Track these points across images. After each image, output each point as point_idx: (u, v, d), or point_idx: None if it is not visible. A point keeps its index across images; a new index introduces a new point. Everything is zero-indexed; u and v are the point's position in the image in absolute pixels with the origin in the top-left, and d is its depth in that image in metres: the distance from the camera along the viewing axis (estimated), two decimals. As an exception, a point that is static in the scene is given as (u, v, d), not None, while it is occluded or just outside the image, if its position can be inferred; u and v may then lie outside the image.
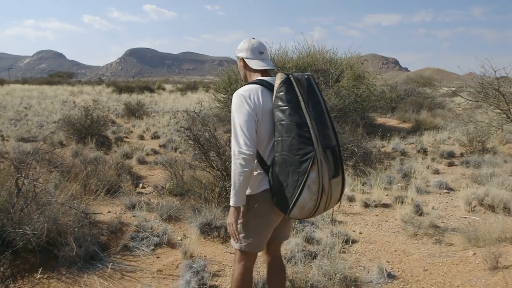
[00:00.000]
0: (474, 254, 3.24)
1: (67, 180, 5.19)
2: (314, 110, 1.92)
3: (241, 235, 2.04)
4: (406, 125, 13.15)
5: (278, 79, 1.93)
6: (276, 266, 2.27)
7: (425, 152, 8.23)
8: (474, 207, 4.69)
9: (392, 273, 3.13)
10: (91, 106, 15.08)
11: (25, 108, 15.85)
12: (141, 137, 10.42)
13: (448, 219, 4.42)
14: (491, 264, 2.94)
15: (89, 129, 8.89)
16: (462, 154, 8.00)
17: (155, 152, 8.34)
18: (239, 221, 2.03)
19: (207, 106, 11.56)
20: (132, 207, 4.72)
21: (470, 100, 8.27)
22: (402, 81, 25.89)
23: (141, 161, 7.52)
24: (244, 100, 1.95)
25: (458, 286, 2.90)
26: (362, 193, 5.33)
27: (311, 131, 1.85)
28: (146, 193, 5.67)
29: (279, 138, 1.89)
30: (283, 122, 1.88)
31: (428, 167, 6.60)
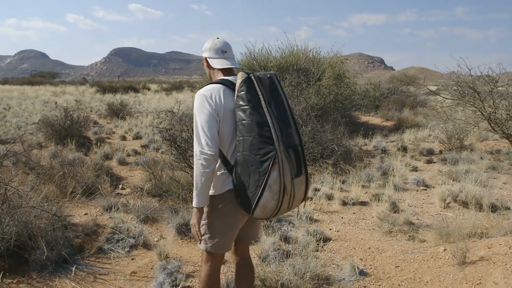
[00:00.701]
0: (444, 250, 3.30)
1: (43, 182, 5.11)
2: (276, 109, 1.91)
3: (206, 236, 2.04)
4: (389, 123, 13.34)
5: (239, 78, 1.92)
6: (244, 267, 2.26)
7: (405, 150, 8.35)
8: (449, 203, 4.79)
9: (364, 270, 3.17)
10: (73, 107, 14.89)
11: (4, 109, 15.48)
12: (123, 138, 10.31)
13: (423, 216, 4.50)
14: (459, 260, 3.00)
15: (68, 130, 8.73)
16: (441, 152, 8.15)
17: (137, 152, 8.26)
18: (204, 222, 2.03)
19: (191, 106, 11.50)
20: (110, 208, 4.67)
21: (447, 98, 8.43)
22: (386, 80, 26.29)
23: (122, 162, 7.43)
24: (205, 100, 1.94)
25: (427, 282, 2.95)
26: (341, 191, 5.37)
27: (272, 130, 1.84)
28: (125, 194, 5.60)
29: (241, 138, 1.89)
30: (244, 121, 1.88)
31: (406, 165, 6.70)
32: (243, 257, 2.27)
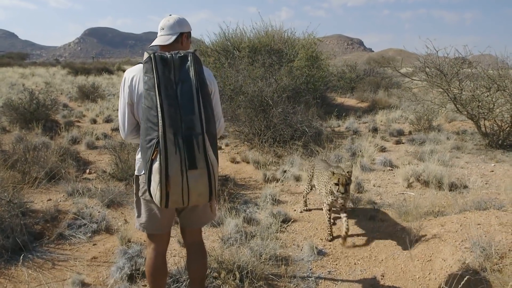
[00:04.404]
0: (401, 228, 3.40)
1: (5, 168, 4.93)
2: (181, 92, 1.75)
3: (136, 215, 2.08)
4: (363, 105, 13.48)
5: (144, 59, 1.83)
6: (194, 252, 2.26)
7: (376, 131, 8.48)
8: (412, 183, 4.92)
9: (323, 250, 3.24)
10: (42, 89, 14.32)
11: (-33, 92, 14.75)
12: (94, 121, 10.03)
13: (387, 196, 4.61)
14: (413, 238, 3.10)
15: (34, 114, 8.42)
16: (410, 132, 8.33)
17: (106, 136, 8.06)
18: (133, 200, 2.12)
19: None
20: (74, 194, 4.58)
21: (414, 80, 8.56)
22: (363, 62, 26.45)
23: (91, 146, 7.26)
24: (123, 83, 1.95)
25: (382, 260, 3.05)
26: (310, 172, 5.43)
27: (159, 116, 1.69)
28: (92, 179, 5.49)
29: (141, 122, 1.85)
30: (142, 105, 1.80)
31: (376, 146, 6.82)
32: (193, 242, 2.26)
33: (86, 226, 3.82)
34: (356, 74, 17.48)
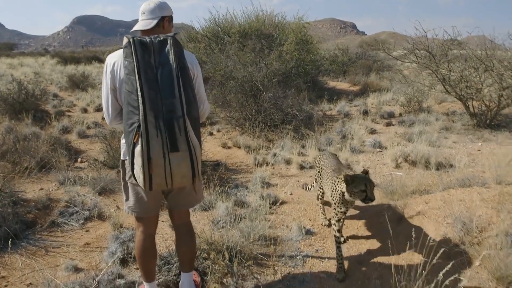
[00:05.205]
0: (387, 207, 3.48)
1: (-4, 158, 4.94)
2: (162, 76, 1.77)
3: (124, 198, 2.11)
4: (355, 88, 13.49)
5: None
6: (182, 233, 2.31)
7: (366, 113, 8.54)
8: (400, 163, 5.00)
9: (311, 230, 3.32)
10: (31, 79, 14.14)
11: (-46, 84, 14.52)
12: (85, 110, 9.98)
13: (375, 176, 4.69)
14: (398, 215, 3.18)
15: (24, 104, 8.35)
16: (400, 114, 8.39)
17: (97, 124, 8.04)
18: (121, 185, 2.16)
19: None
20: (66, 182, 4.61)
21: (404, 62, 8.59)
22: (356, 45, 26.39)
23: (82, 135, 7.26)
24: (105, 69, 1.95)
25: (369, 237, 3.14)
26: (300, 155, 5.49)
27: (140, 99, 1.71)
28: (84, 168, 5.52)
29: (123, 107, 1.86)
30: (124, 90, 1.82)
31: (366, 128, 6.88)
32: (182, 224, 2.31)
33: (78, 213, 3.87)
34: (348, 57, 17.44)
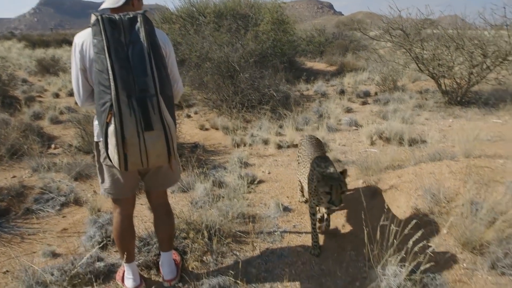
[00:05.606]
0: (363, 182, 3.59)
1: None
2: (133, 54, 1.73)
3: (99, 181, 2.09)
4: (332, 68, 13.59)
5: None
6: (161, 213, 2.32)
7: (343, 93, 8.64)
8: (375, 140, 5.13)
9: (288, 207, 3.39)
10: (-3, 64, 13.47)
11: None
12: (57, 95, 9.67)
13: (351, 154, 4.80)
14: (373, 190, 3.29)
15: (-10, 90, 8.00)
16: (376, 93, 8.54)
17: (70, 109, 7.81)
18: (96, 167, 2.12)
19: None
20: (40, 169, 4.50)
21: (377, 40, 8.70)
22: (332, 25, 26.38)
23: (54, 121, 7.06)
24: (73, 49, 1.90)
25: (344, 212, 3.23)
26: (278, 135, 5.54)
27: (111, 78, 1.67)
28: (58, 154, 5.39)
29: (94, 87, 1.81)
30: (94, 69, 1.77)
31: (342, 107, 6.98)
32: (159, 204, 2.32)
33: (54, 199, 3.80)
34: (325, 38, 17.48)
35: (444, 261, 2.36)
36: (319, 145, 3.07)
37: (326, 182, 2.34)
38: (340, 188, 2.32)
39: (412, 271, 2.14)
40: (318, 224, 2.90)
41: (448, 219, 2.50)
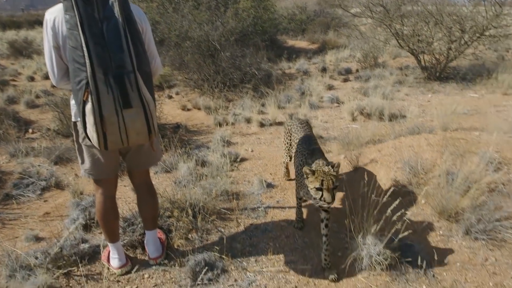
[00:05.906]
0: (344, 157, 3.65)
1: None
2: (108, 30, 1.68)
3: (79, 161, 2.06)
4: (314, 46, 13.53)
5: None
6: (144, 192, 2.32)
7: (325, 70, 8.65)
8: (356, 116, 5.19)
9: (272, 183, 3.43)
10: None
11: None
12: (32, 79, 9.35)
13: (333, 130, 4.86)
14: (354, 163, 3.35)
15: (-40, 75, 7.67)
16: (357, 70, 8.58)
17: (47, 93, 7.58)
18: (75, 148, 2.08)
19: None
20: (18, 154, 4.39)
21: (357, 16, 8.69)
22: (314, 2, 26.08)
23: (31, 105, 6.85)
24: (45, 26, 1.80)
25: (326, 185, 3.29)
26: (260, 113, 5.54)
27: (86, 55, 1.63)
28: (36, 138, 5.26)
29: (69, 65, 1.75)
30: (68, 46, 1.71)
31: (324, 84, 7.00)
32: (142, 183, 2.31)
33: (34, 184, 3.73)
34: (307, 15, 17.31)
35: (422, 229, 2.46)
36: (310, 131, 2.93)
37: (317, 177, 2.11)
38: (333, 182, 2.09)
39: (392, 240, 2.22)
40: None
41: (426, 189, 2.58)
